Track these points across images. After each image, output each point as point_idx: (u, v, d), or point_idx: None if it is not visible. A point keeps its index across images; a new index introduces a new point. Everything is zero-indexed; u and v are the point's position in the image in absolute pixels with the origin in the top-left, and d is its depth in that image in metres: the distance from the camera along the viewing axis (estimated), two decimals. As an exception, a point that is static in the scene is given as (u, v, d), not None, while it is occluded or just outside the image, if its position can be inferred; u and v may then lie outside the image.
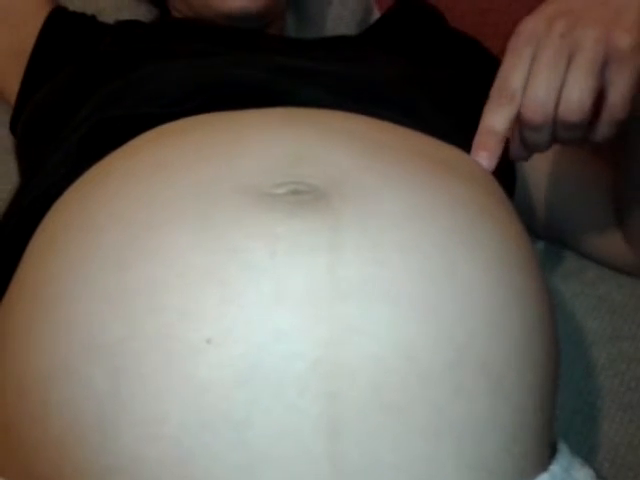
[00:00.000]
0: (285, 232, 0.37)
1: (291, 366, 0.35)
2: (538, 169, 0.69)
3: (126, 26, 0.72)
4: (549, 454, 0.44)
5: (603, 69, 0.47)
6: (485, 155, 0.49)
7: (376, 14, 0.85)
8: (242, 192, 0.39)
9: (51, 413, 0.37)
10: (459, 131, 0.52)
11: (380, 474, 0.35)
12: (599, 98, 0.49)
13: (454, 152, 0.49)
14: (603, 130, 0.50)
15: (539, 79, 0.48)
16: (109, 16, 0.76)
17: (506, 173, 0.56)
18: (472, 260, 0.40)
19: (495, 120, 0.49)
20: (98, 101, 0.54)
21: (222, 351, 0.35)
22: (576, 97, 0.47)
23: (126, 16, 0.77)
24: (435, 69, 0.64)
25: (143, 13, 0.80)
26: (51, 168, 0.52)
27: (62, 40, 0.71)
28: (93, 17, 0.75)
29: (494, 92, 0.50)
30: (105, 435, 0.35)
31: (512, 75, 0.49)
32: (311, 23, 0.82)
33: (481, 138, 0.49)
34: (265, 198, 0.39)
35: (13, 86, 0.71)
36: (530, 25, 0.49)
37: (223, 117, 0.47)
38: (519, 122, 0.49)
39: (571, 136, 0.50)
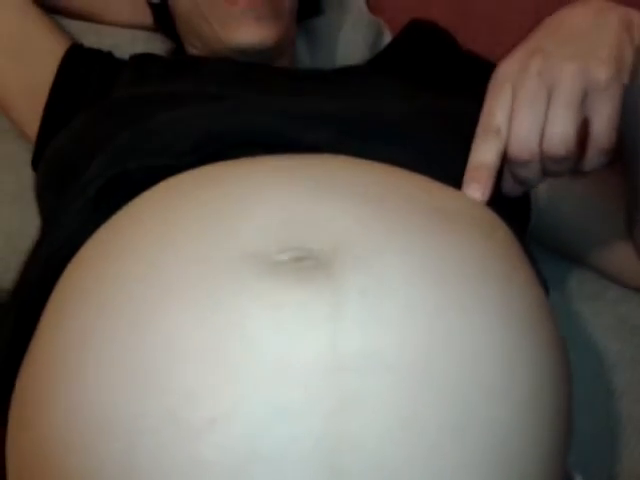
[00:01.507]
0: (288, 304, 0.38)
1: (294, 445, 0.35)
2: (554, 189, 0.69)
3: (141, 62, 0.73)
4: None
5: (584, 101, 0.48)
6: (477, 187, 0.49)
7: (387, 36, 0.85)
8: (246, 261, 0.39)
9: None
10: None
11: None
12: (585, 130, 0.49)
13: (460, 200, 0.49)
14: (592, 161, 0.50)
15: (521, 117, 0.48)
16: (124, 51, 0.77)
17: (520, 200, 0.57)
18: (472, 324, 0.39)
19: (483, 155, 0.50)
20: (114, 151, 0.54)
21: (226, 431, 0.35)
22: (559, 131, 0.48)
23: (141, 50, 0.78)
24: (449, 96, 0.64)
25: (158, 47, 0.81)
26: (68, 221, 0.53)
27: (80, 78, 0.72)
28: (109, 53, 0.77)
29: (479, 130, 0.51)
30: None
31: (495, 112, 0.50)
32: (323, 48, 0.83)
33: (471, 173, 0.50)
34: (267, 266, 0.39)
35: (32, 125, 0.72)
36: (506, 67, 0.50)
37: (227, 173, 0.48)
38: (507, 159, 0.50)
39: (560, 169, 0.50)
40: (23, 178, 0.73)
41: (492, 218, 0.48)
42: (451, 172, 0.51)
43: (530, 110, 0.48)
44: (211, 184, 0.46)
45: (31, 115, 0.73)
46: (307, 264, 0.39)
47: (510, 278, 0.44)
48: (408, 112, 0.58)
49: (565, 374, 0.44)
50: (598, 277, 0.70)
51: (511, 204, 0.55)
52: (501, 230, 0.48)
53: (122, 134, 0.55)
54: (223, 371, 0.36)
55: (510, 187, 0.53)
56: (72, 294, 0.43)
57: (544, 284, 0.57)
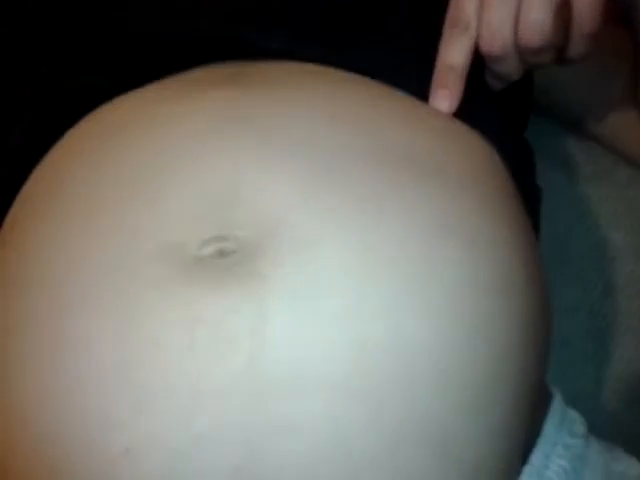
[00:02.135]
0: (205, 315, 0.34)
1: (211, 474, 0.33)
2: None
3: None
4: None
5: None
6: (445, 94, 0.45)
7: None
8: (164, 257, 0.35)
9: None
10: None
11: None
12: (567, 14, 0.44)
13: (441, 132, 0.43)
14: (575, 48, 0.46)
15: (491, 5, 0.44)
16: None
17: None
18: (420, 322, 0.35)
19: (451, 54, 0.46)
20: (57, 60, 0.49)
21: (140, 461, 0.34)
22: (533, 18, 0.43)
23: None
24: None
25: None
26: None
27: None
28: None
29: (447, 26, 0.46)
30: None
31: (463, 4, 0.45)
32: None
33: (439, 76, 0.46)
34: (187, 266, 0.35)
35: None
36: None
37: (147, 115, 0.42)
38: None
39: (540, 61, 0.46)
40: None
41: (476, 150, 0.43)
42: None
43: (503, 1, 0.43)
44: (133, 143, 0.40)
45: None
46: (232, 261, 0.35)
47: (481, 263, 0.38)
48: None
49: (538, 339, 0.41)
50: (610, 155, 0.64)
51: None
52: (491, 179, 0.42)
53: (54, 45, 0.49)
54: (137, 395, 0.34)
55: (491, 83, 0.49)
56: None
57: (537, 194, 0.53)
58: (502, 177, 0.44)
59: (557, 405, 0.47)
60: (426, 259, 0.36)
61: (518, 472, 0.41)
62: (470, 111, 0.46)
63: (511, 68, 0.46)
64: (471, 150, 0.43)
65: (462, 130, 0.45)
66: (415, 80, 0.46)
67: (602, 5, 0.44)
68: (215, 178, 0.38)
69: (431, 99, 0.46)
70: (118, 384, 0.34)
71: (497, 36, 0.44)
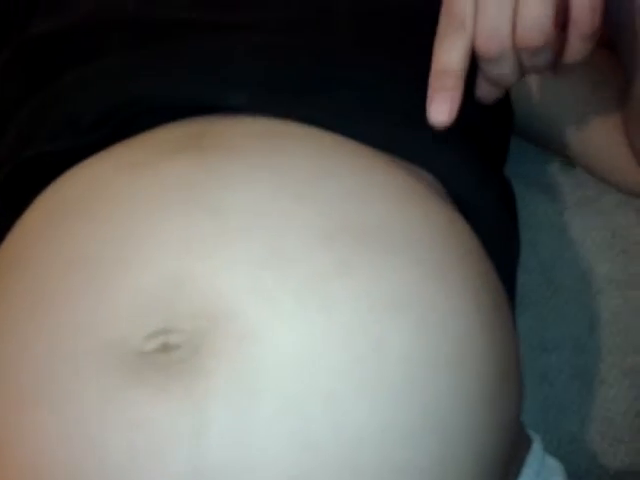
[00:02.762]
0: (147, 418, 0.33)
1: None
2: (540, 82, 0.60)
3: None
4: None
5: None
6: (444, 97, 0.42)
7: None
8: (107, 350, 0.34)
9: None
10: None
11: None
12: (563, 14, 0.42)
13: (401, 195, 0.41)
14: (573, 50, 0.43)
15: (488, 3, 0.41)
16: None
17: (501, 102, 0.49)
18: (367, 412, 0.34)
19: (447, 56, 0.43)
20: (16, 129, 0.48)
21: None
22: (533, 15, 0.41)
23: None
24: None
25: None
26: None
27: None
28: None
29: (441, 25, 0.43)
30: None
31: (457, 3, 0.42)
32: None
33: (436, 79, 0.43)
34: (130, 363, 0.34)
35: None
36: None
37: (101, 202, 0.40)
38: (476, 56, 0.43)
39: (538, 63, 0.43)
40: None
41: (437, 214, 0.41)
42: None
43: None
44: (82, 229, 0.39)
45: None
46: (175, 355, 0.34)
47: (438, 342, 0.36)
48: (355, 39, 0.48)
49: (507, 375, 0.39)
50: (596, 182, 0.63)
51: (489, 109, 0.48)
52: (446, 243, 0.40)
53: (28, 101, 0.48)
54: None
55: (483, 90, 0.47)
56: None
57: (516, 236, 0.52)
58: (464, 238, 0.42)
59: (536, 454, 0.46)
60: (373, 342, 0.35)
61: None
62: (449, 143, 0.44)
63: (508, 70, 0.44)
64: (432, 215, 0.41)
65: (423, 192, 0.42)
66: (383, 123, 0.44)
67: (601, 4, 0.42)
68: (162, 265, 0.36)
69: (428, 104, 0.43)
70: None
71: (494, 35, 0.42)
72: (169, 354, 0.34)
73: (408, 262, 0.38)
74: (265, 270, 0.36)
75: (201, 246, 0.36)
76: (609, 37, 0.52)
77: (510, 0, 0.41)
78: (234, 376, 0.33)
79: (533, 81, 0.60)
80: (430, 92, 0.43)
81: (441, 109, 0.43)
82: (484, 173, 0.49)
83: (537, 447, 0.47)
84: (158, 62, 0.47)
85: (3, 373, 0.36)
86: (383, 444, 0.34)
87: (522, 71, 0.44)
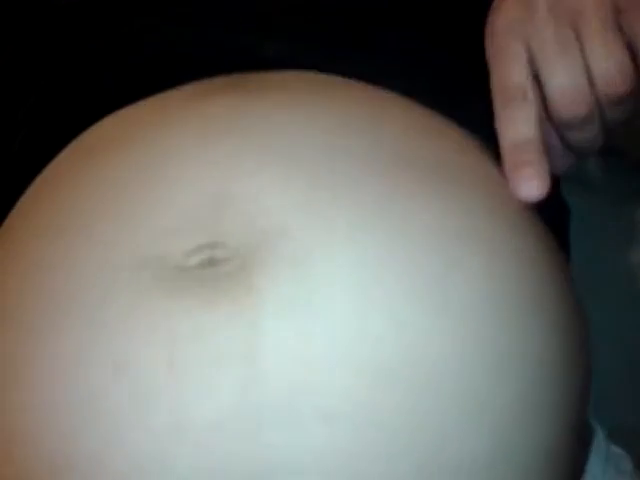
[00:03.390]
0: (188, 333, 0.30)
1: None
2: None
3: None
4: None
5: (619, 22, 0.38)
6: (530, 173, 0.37)
7: None
8: (141, 271, 0.32)
9: None
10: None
11: None
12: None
13: (450, 140, 0.39)
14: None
15: (554, 66, 0.38)
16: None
17: None
18: (439, 338, 0.31)
19: (520, 129, 0.39)
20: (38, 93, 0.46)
21: None
22: (611, 62, 0.38)
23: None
24: None
25: None
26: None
27: None
28: None
29: (498, 102, 0.40)
30: None
31: (510, 72, 0.39)
32: None
33: (512, 156, 0.38)
34: (169, 277, 0.32)
35: None
36: (503, 19, 0.40)
37: (141, 124, 0.39)
38: (555, 128, 0.39)
39: (623, 113, 0.39)
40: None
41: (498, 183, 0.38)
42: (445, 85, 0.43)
43: (563, 55, 0.38)
44: (118, 151, 0.37)
45: None
46: (221, 271, 0.31)
47: (504, 274, 0.34)
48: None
49: (575, 354, 0.36)
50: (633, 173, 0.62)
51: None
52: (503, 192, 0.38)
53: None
54: (105, 430, 0.30)
55: (560, 163, 0.41)
56: None
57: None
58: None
59: (600, 441, 0.44)
60: (444, 264, 0.33)
61: None
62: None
63: (595, 132, 0.39)
64: (488, 160, 0.39)
65: (474, 142, 0.40)
66: (420, 84, 0.42)
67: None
68: (208, 185, 0.34)
69: (513, 186, 0.38)
70: (84, 419, 0.30)
71: (575, 92, 0.38)
72: (214, 268, 0.32)
73: (472, 195, 0.36)
74: (317, 191, 0.34)
75: (248, 166, 0.35)
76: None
77: (578, 57, 0.38)
78: (288, 295, 0.31)
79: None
80: (509, 171, 0.38)
81: (532, 184, 0.38)
82: None
83: (600, 435, 0.45)
84: (201, 12, 0.46)
85: (40, 280, 0.34)
86: (455, 375, 0.32)
87: (607, 127, 0.40)
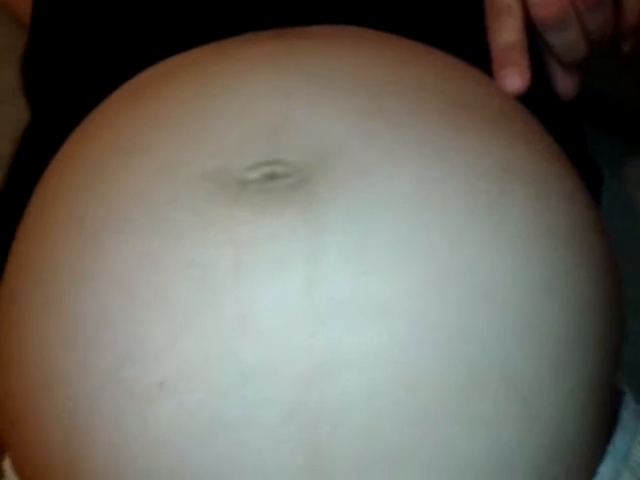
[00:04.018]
0: (252, 237, 0.31)
1: (262, 414, 0.30)
2: None
3: None
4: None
5: None
6: (512, 70, 0.42)
7: None
8: (204, 181, 0.33)
9: (23, 449, 0.34)
10: None
11: None
12: None
13: (490, 85, 0.42)
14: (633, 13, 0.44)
15: None
16: None
17: None
18: (495, 252, 0.32)
19: (504, 35, 0.43)
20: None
21: (177, 398, 0.30)
22: None
23: None
24: None
25: None
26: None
27: None
28: None
29: (488, 13, 0.44)
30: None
31: None
32: None
33: (500, 56, 0.43)
34: (232, 188, 0.33)
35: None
36: None
37: (197, 61, 0.40)
38: (538, 33, 0.43)
39: (601, 20, 0.43)
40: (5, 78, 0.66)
41: (529, 118, 0.40)
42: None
43: None
44: (178, 81, 0.39)
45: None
46: (282, 184, 0.33)
47: (546, 196, 0.35)
48: None
49: (609, 297, 0.37)
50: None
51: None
52: (539, 133, 0.40)
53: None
54: (172, 322, 0.31)
55: (562, 82, 0.46)
56: (25, 225, 0.38)
57: (599, 172, 0.51)
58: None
59: (630, 400, 0.43)
60: (497, 193, 0.34)
61: (602, 449, 0.37)
62: None
63: (575, 35, 0.43)
64: (515, 103, 0.41)
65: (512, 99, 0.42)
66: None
67: None
68: (266, 106, 0.35)
69: (499, 81, 0.42)
70: (152, 311, 0.31)
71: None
72: (275, 182, 0.33)
73: (512, 130, 0.37)
74: (374, 119, 0.35)
75: (306, 93, 0.36)
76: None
77: None
78: (349, 206, 0.32)
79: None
80: (497, 69, 0.43)
81: (514, 79, 0.42)
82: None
83: (629, 395, 0.44)
84: None
85: (103, 190, 0.35)
86: (513, 296, 0.32)
87: (588, 37, 0.44)
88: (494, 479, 0.31)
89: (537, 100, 0.43)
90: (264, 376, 0.30)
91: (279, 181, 0.33)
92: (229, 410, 0.30)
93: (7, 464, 0.38)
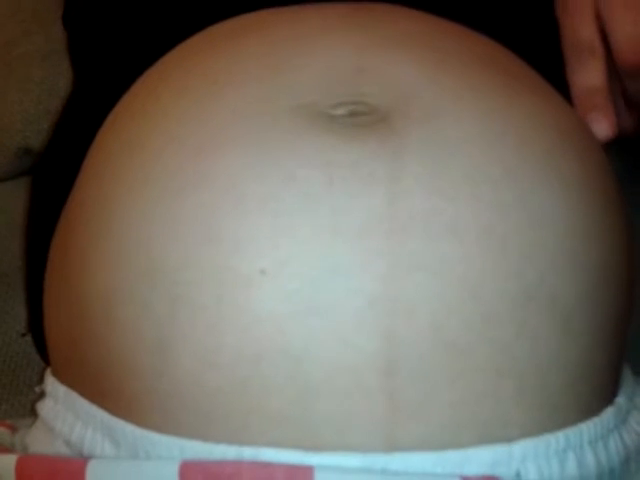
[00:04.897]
0: (342, 159, 0.36)
1: (348, 302, 0.35)
2: None
3: None
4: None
5: None
6: (600, 115, 0.44)
7: None
8: (298, 112, 0.38)
9: (113, 333, 0.37)
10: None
11: (437, 410, 0.35)
12: None
13: (526, 66, 0.45)
14: None
15: (618, 19, 0.44)
16: None
17: None
18: (547, 187, 0.37)
19: (588, 78, 0.45)
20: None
21: (276, 284, 0.35)
22: None
23: None
24: None
25: None
26: (104, 72, 0.51)
27: None
28: None
29: (569, 55, 0.46)
30: (164, 361, 0.36)
31: (579, 29, 0.45)
32: None
33: (584, 101, 0.44)
34: (322, 120, 0.37)
35: None
36: None
37: (279, 17, 0.44)
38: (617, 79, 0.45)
39: None
40: (53, 35, 0.69)
41: (557, 94, 0.44)
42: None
43: (627, 9, 0.43)
44: (262, 30, 0.43)
45: None
46: (364, 120, 0.37)
47: (588, 146, 0.41)
48: None
49: (630, 253, 0.42)
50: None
51: None
52: (568, 106, 0.44)
53: None
54: (275, 223, 0.35)
55: (626, 120, 0.47)
56: (115, 145, 0.41)
57: None
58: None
59: (628, 374, 0.47)
60: (544, 151, 0.38)
61: (618, 383, 0.42)
62: None
63: None
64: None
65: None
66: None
67: None
68: (344, 56, 0.40)
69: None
70: (255, 211, 0.35)
71: (637, 44, 0.43)
72: (358, 118, 0.38)
73: (554, 99, 0.42)
74: (441, 73, 0.40)
75: (380, 48, 0.41)
76: None
77: (638, 7, 0.43)
78: (423, 139, 0.37)
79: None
80: (582, 114, 0.44)
81: (602, 125, 0.44)
82: None
83: (627, 372, 0.48)
84: None
85: (196, 124, 0.38)
86: (566, 229, 0.37)
87: None
88: (532, 384, 0.36)
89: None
90: (351, 270, 0.34)
91: (361, 117, 0.38)
92: (320, 297, 0.34)
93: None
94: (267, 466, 0.34)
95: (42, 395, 0.43)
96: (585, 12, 0.45)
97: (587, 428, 0.38)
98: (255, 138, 0.37)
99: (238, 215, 0.35)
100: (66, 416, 0.40)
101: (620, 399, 0.41)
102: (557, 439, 0.36)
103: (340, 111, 0.38)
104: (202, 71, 0.41)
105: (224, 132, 0.38)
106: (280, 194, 0.35)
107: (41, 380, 0.44)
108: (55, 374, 0.43)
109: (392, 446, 0.35)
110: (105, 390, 0.38)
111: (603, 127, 0.44)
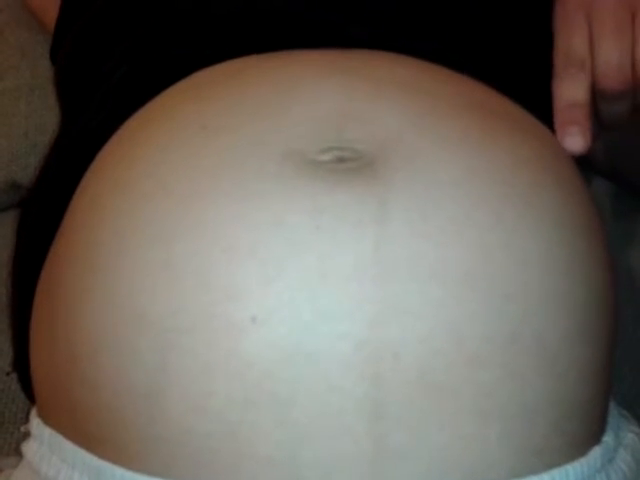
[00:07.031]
0: (329, 204, 0.37)
1: (335, 347, 0.35)
2: None
3: None
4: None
5: None
6: (576, 130, 0.45)
7: None
8: (285, 158, 0.38)
9: (101, 378, 0.38)
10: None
11: (424, 455, 0.35)
12: None
13: (508, 102, 0.46)
14: None
15: (607, 43, 0.45)
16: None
17: None
18: (531, 228, 0.38)
19: (573, 92, 0.45)
20: (137, 33, 0.51)
21: (266, 330, 0.35)
22: None
23: None
24: None
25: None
26: (92, 111, 0.51)
27: None
28: None
29: (559, 65, 0.47)
30: (154, 406, 0.36)
31: (574, 43, 0.46)
32: None
33: (564, 113, 0.45)
34: (309, 166, 0.38)
35: (52, 12, 0.69)
36: None
37: (267, 63, 0.45)
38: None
39: None
40: (39, 70, 0.70)
41: (547, 131, 0.46)
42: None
43: (616, 35, 0.45)
44: (250, 76, 0.44)
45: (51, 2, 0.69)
46: (350, 165, 0.38)
47: (571, 183, 0.42)
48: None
49: (613, 291, 0.42)
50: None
51: None
52: (558, 144, 0.45)
53: (147, 14, 0.51)
54: (264, 270, 0.36)
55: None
56: (103, 188, 0.42)
57: None
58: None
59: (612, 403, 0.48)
60: (531, 186, 0.39)
61: (605, 421, 0.42)
62: None
63: (626, 107, 0.46)
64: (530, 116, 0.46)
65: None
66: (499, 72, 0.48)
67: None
68: (331, 101, 0.41)
69: (560, 136, 0.45)
70: (245, 259, 0.36)
71: (618, 71, 0.44)
72: (344, 164, 0.38)
73: (534, 137, 0.43)
74: (425, 118, 0.41)
75: (364, 93, 0.42)
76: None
77: (628, 40, 0.44)
78: (408, 184, 0.37)
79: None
80: (560, 125, 0.45)
81: (576, 140, 0.45)
82: None
83: (610, 404, 0.48)
84: None
85: (182, 173, 0.39)
86: (548, 270, 0.38)
87: (635, 109, 0.47)
88: (518, 426, 0.36)
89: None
90: (338, 315, 0.35)
91: (347, 163, 0.38)
92: (308, 342, 0.35)
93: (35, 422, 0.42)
94: None
95: (27, 435, 0.43)
96: (578, 25, 0.46)
97: (573, 469, 0.38)
98: (244, 185, 0.38)
99: (228, 262, 0.36)
100: (51, 459, 0.40)
101: (607, 438, 0.41)
102: None
103: (327, 157, 0.39)
104: (190, 116, 0.42)
105: (213, 179, 0.38)
106: (269, 241, 0.36)
107: (26, 419, 0.44)
108: (40, 414, 0.43)
109: None
110: (93, 433, 0.38)
111: (576, 142, 0.45)
